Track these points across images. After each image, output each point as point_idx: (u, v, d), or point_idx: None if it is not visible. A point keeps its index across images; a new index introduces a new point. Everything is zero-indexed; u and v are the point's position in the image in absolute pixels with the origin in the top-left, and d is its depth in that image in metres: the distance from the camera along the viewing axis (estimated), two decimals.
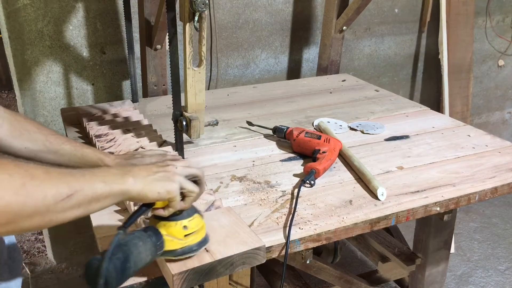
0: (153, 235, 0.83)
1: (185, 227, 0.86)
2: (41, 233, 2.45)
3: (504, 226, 2.58)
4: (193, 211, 0.88)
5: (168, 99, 1.79)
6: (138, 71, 1.92)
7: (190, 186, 0.85)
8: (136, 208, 0.85)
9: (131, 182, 0.77)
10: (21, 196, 0.63)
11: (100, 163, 1.04)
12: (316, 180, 1.21)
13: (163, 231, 0.85)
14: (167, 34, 1.25)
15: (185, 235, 0.86)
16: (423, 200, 1.14)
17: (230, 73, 2.29)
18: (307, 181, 1.19)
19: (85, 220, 0.93)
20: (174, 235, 0.85)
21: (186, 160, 0.94)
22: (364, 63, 2.62)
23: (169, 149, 1.33)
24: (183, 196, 0.85)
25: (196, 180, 0.89)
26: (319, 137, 1.34)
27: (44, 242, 2.35)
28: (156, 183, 0.80)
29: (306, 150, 1.35)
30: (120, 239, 0.77)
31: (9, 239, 0.99)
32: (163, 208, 0.84)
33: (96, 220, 1.03)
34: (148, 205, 0.84)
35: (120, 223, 1.03)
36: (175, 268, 0.85)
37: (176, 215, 0.86)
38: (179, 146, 1.32)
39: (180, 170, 0.85)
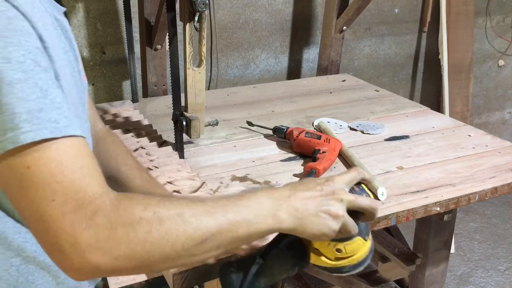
0: (296, 256, 0.76)
1: (338, 250, 0.75)
2: None
3: (504, 226, 2.57)
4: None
5: (168, 99, 1.78)
6: (138, 71, 1.92)
7: (350, 226, 0.72)
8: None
9: (283, 220, 0.68)
10: (147, 244, 0.57)
11: None
12: None
13: (315, 244, 0.76)
14: (167, 34, 1.25)
15: (336, 258, 0.75)
16: (423, 200, 1.14)
17: (230, 73, 2.29)
18: None
19: None
20: (324, 253, 0.76)
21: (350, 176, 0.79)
22: (364, 63, 2.62)
23: (169, 149, 1.33)
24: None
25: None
26: (319, 137, 1.34)
27: None
28: (312, 225, 0.69)
29: (306, 150, 1.35)
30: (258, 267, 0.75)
31: None
32: None
33: None
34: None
35: None
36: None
37: None
38: (179, 146, 1.32)
39: (347, 202, 0.72)
